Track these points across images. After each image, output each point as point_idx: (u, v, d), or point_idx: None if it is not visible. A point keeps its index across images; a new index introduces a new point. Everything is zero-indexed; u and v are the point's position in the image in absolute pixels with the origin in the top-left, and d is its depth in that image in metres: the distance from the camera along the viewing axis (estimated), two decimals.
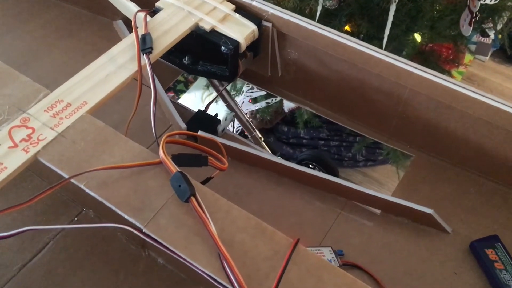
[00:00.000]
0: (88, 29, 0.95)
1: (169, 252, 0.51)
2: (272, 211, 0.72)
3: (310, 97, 0.86)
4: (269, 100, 1.91)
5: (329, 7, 1.28)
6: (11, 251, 0.65)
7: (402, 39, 1.48)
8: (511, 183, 0.74)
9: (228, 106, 0.99)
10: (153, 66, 0.65)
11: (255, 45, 0.77)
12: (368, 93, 0.77)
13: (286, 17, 0.74)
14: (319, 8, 1.15)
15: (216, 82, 1.00)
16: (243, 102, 1.93)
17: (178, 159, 0.56)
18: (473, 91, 0.66)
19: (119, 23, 0.95)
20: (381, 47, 1.27)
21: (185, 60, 0.77)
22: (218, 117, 0.80)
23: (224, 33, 0.72)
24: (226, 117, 0.82)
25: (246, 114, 1.99)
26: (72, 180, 0.52)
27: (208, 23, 0.72)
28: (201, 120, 0.78)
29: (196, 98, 1.74)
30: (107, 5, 0.83)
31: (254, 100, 1.98)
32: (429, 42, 1.55)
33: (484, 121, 0.67)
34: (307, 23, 0.73)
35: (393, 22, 1.21)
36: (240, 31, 0.72)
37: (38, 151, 0.54)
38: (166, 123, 0.81)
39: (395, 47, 1.49)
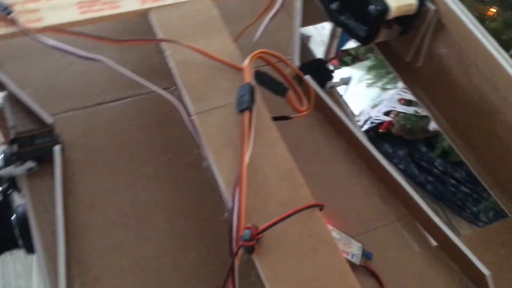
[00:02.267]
0: None
1: (204, 151, 0.52)
2: (329, 183, 0.68)
3: (437, 105, 0.77)
4: (418, 110, 1.79)
5: None
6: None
7: None
8: None
9: None
10: None
11: (407, 22, 0.70)
12: (501, 131, 0.67)
13: (454, 8, 0.67)
14: None
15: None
16: (392, 96, 1.83)
17: (259, 75, 0.56)
18: None
19: None
20: None
21: (333, 5, 0.74)
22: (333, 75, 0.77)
23: None
24: (342, 78, 0.78)
25: (390, 111, 1.88)
26: (162, 44, 0.55)
27: None
28: (316, 68, 0.76)
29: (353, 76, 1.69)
30: None
31: (406, 102, 1.86)
32: None
33: None
34: (474, 25, 0.65)
35: None
36: None
37: (151, 7, 0.57)
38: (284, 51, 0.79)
39: None
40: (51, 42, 0.51)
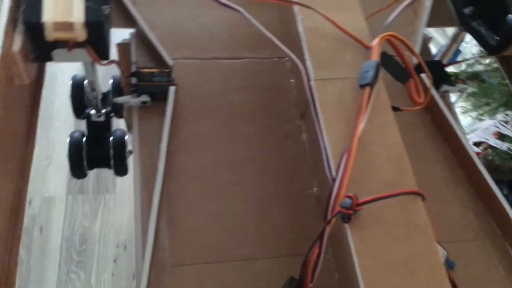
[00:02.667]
0: None
1: (315, 118, 0.53)
2: (424, 184, 0.65)
3: None
4: None
5: None
6: None
7: None
8: None
9: None
10: None
11: None
12: None
13: None
14: None
15: None
16: (487, 128, 1.75)
17: (386, 57, 0.55)
18: None
19: None
20: None
21: (466, 10, 0.72)
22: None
23: None
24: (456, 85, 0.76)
25: (481, 143, 1.79)
26: (295, 6, 0.56)
27: None
28: (434, 69, 0.74)
29: None
30: None
31: (500, 136, 1.77)
32: None
33: None
34: None
35: None
36: None
37: None
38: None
39: None
40: None
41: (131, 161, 0.68)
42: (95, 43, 0.56)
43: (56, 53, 0.56)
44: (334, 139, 0.49)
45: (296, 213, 0.61)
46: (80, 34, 0.52)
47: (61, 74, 1.61)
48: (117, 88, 0.75)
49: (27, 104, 0.62)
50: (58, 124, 1.57)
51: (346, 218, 0.45)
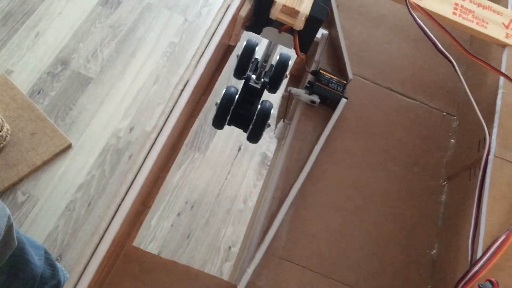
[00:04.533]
0: None
1: (477, 191, 0.53)
2: None
3: None
4: None
5: None
6: None
7: None
8: None
9: None
10: None
11: None
12: None
13: None
14: None
15: None
16: None
17: None
18: None
19: None
20: None
21: None
22: None
23: None
24: None
25: None
26: (501, 77, 0.56)
27: None
28: None
29: None
30: None
31: None
32: None
33: None
34: None
35: None
36: None
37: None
38: None
39: None
40: (420, 21, 0.55)
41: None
42: (304, 35, 0.59)
43: (266, 29, 0.60)
44: (492, 219, 0.49)
45: (406, 265, 0.61)
46: (299, 24, 0.56)
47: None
48: (282, 67, 0.77)
49: (215, 63, 0.67)
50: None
51: None
